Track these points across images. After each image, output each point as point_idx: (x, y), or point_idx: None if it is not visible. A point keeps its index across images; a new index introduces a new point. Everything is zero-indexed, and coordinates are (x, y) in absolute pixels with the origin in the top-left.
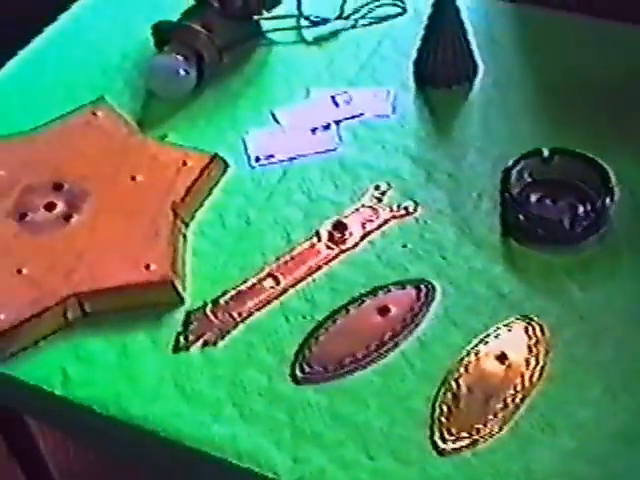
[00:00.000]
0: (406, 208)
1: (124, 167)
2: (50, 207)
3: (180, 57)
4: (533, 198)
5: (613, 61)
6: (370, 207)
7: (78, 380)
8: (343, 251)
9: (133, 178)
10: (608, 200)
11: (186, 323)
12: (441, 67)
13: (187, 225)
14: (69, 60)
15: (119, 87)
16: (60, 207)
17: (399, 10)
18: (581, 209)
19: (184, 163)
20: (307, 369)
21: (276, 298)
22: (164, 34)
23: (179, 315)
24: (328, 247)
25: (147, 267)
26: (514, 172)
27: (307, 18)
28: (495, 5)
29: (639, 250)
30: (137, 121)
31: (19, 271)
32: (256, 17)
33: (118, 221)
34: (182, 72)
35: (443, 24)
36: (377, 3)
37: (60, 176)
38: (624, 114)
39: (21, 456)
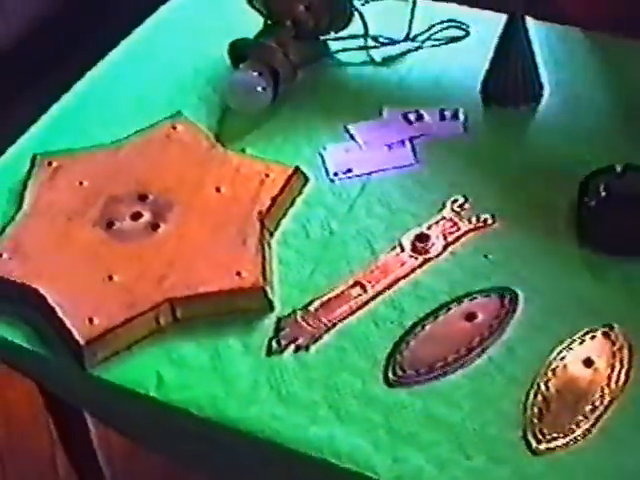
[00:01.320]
0: (485, 220)
1: (208, 179)
2: (136, 216)
3: (257, 74)
4: (608, 210)
5: None
6: (450, 219)
7: (173, 383)
8: (426, 261)
9: (217, 189)
10: None
11: (277, 328)
12: (510, 87)
13: (272, 235)
14: (143, 76)
15: (194, 103)
16: (146, 217)
17: (462, 33)
18: None
19: (267, 175)
20: (400, 372)
21: (364, 305)
22: (240, 52)
23: (269, 321)
24: (411, 257)
25: (238, 274)
26: (590, 186)
27: (375, 39)
28: (557, 28)
29: None
30: (214, 136)
31: (110, 277)
32: (325, 37)
33: (205, 230)
34: (260, 88)
35: (513, 46)
36: (441, 26)
37: (144, 187)
38: None
39: (75, 456)
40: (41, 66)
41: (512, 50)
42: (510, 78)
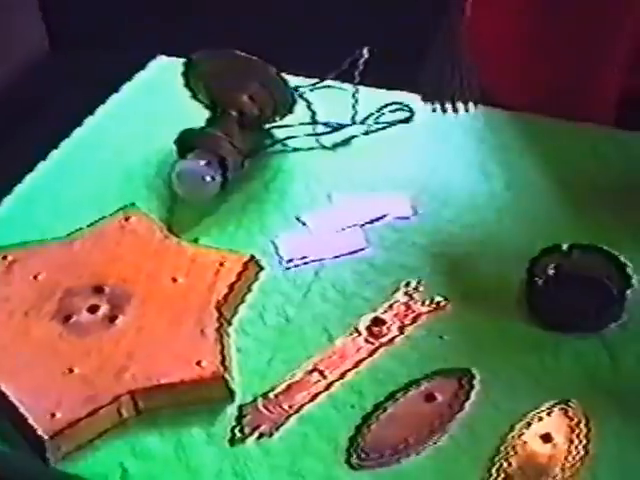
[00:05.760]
0: (438, 302)
1: (164, 269)
2: (93, 309)
3: (205, 163)
4: (558, 289)
5: (613, 164)
6: (403, 303)
7: (137, 475)
8: (383, 344)
9: (174, 279)
10: (627, 290)
11: (240, 416)
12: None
13: (229, 323)
14: (93, 167)
15: (145, 193)
16: (103, 309)
17: (408, 114)
18: (603, 298)
19: (222, 264)
20: (363, 456)
21: (324, 390)
22: (187, 142)
23: (231, 409)
24: (367, 341)
25: (198, 364)
26: (538, 265)
27: (325, 124)
28: (503, 114)
29: None
30: (167, 226)
31: (70, 371)
32: (271, 125)
33: (164, 321)
34: (208, 178)
35: None
36: (388, 109)
37: (100, 279)
38: (627, 212)
39: None
40: None
41: None
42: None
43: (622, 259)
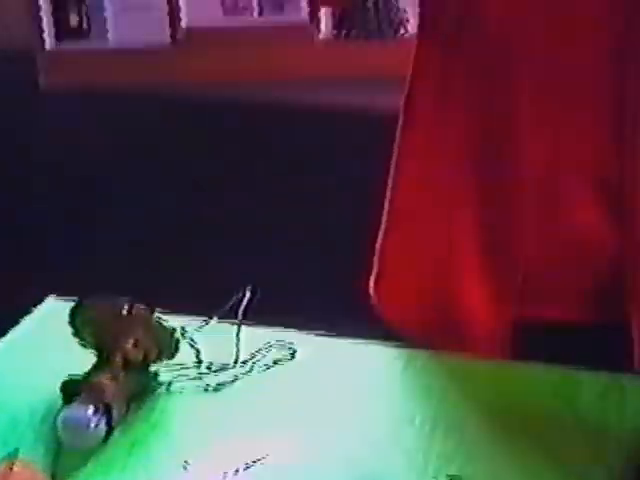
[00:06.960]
0: None
1: None
2: None
3: (90, 410)
4: None
5: (486, 396)
6: None
7: None
8: None
9: None
10: None
11: None
12: None
13: None
14: None
15: (30, 441)
16: None
17: (290, 352)
18: None
19: None
20: None
21: None
22: (72, 388)
23: None
24: None
25: None
26: None
27: (210, 365)
28: (384, 351)
29: None
30: (52, 474)
31: None
32: (156, 367)
33: None
34: (92, 425)
35: None
36: (271, 346)
37: None
38: (519, 445)
39: None
40: None
41: None
42: None
43: None
